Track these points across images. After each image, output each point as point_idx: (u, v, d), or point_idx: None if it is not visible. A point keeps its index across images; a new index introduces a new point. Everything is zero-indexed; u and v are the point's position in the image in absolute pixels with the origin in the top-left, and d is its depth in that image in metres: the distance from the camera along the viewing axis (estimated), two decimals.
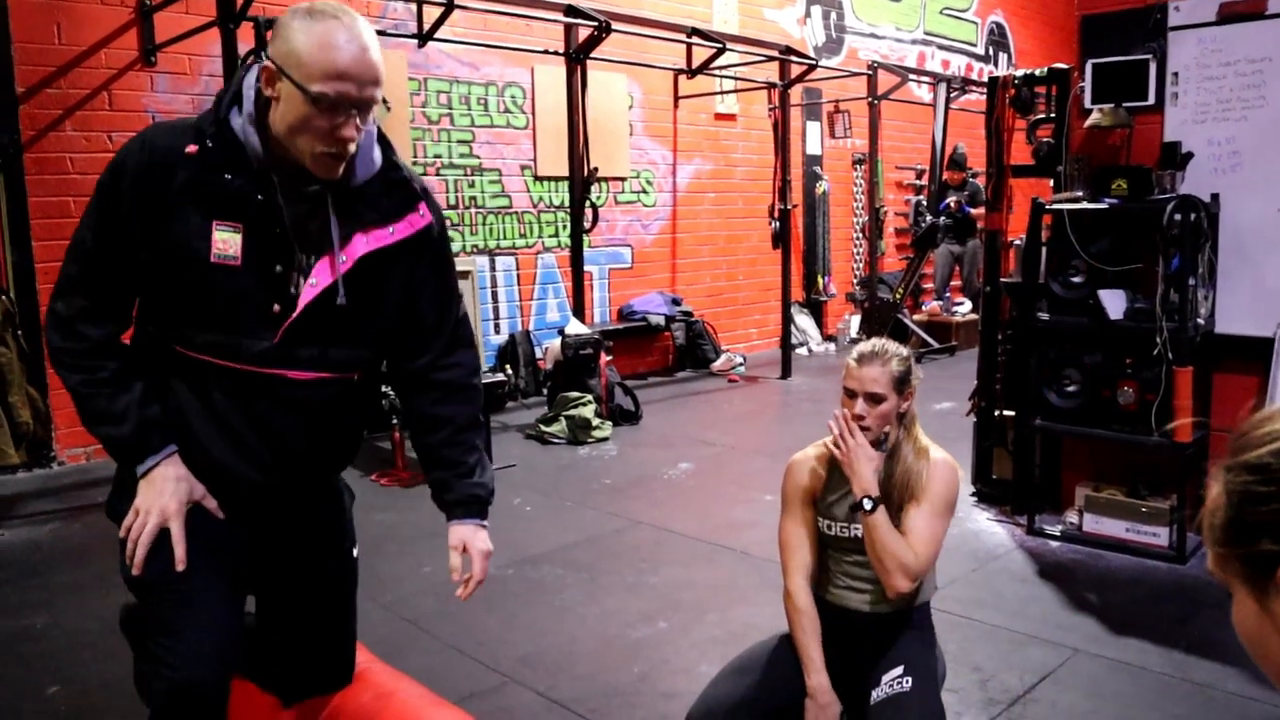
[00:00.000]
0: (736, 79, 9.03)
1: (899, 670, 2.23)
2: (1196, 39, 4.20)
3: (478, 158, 7.64)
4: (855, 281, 10.97)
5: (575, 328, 6.94)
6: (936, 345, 9.69)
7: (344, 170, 1.76)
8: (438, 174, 7.38)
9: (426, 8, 6.08)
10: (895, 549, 2.22)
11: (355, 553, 2.16)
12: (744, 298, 9.91)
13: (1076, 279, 4.27)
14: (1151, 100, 4.26)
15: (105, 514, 1.91)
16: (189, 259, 1.71)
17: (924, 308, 10.70)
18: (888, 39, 11.33)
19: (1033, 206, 4.40)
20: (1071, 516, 4.38)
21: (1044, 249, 4.45)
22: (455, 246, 7.45)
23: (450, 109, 7.43)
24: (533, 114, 7.94)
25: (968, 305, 10.10)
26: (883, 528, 2.22)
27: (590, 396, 6.55)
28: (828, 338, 10.52)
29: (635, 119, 8.74)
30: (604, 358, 6.87)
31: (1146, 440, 4.04)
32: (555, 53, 7.09)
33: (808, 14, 10.28)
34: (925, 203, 9.73)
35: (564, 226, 7.98)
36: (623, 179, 8.68)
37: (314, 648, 2.12)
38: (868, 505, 2.22)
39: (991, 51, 13.14)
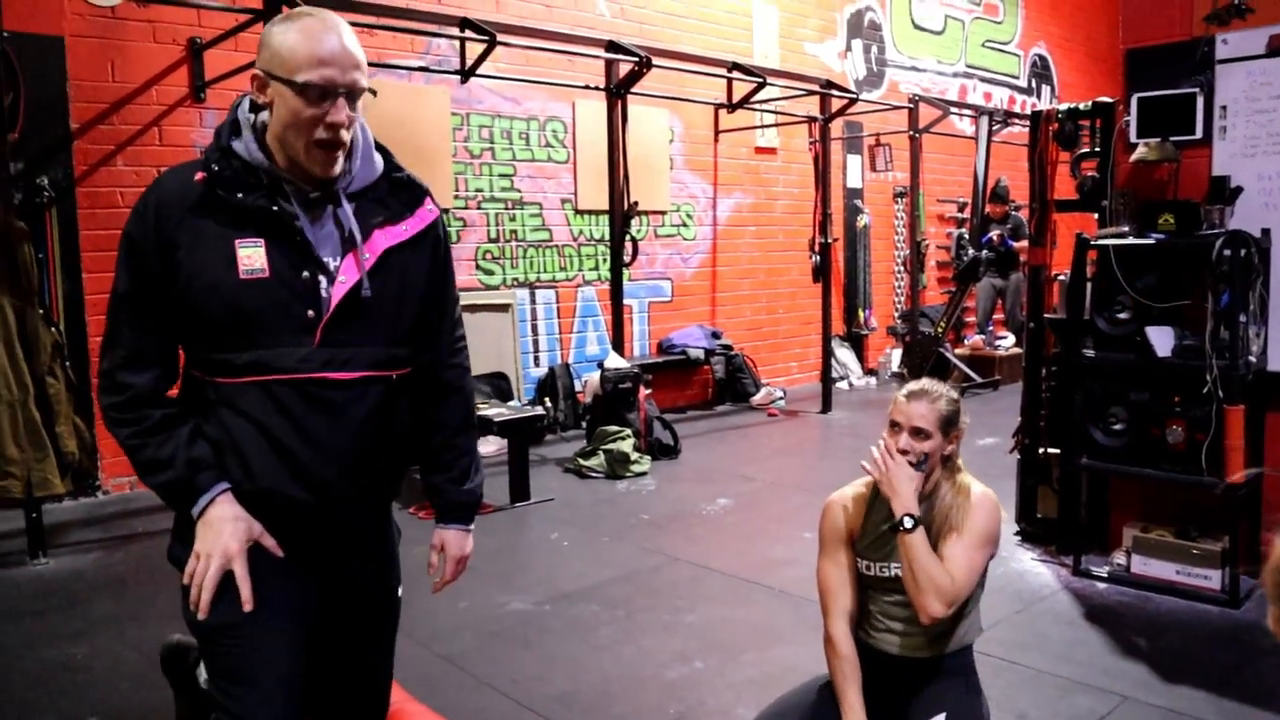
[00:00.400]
0: (777, 113, 9.04)
1: (941, 718, 2.18)
2: (1245, 72, 4.13)
3: (519, 191, 7.70)
4: (896, 315, 10.89)
5: (614, 361, 6.94)
6: (979, 380, 9.57)
7: (345, 168, 1.82)
8: (479, 207, 7.45)
9: (469, 44, 6.16)
10: (931, 570, 2.18)
11: (400, 592, 2.15)
12: (784, 331, 9.86)
13: (1123, 315, 4.20)
14: (1199, 134, 4.20)
15: (167, 559, 1.91)
16: (218, 282, 1.74)
17: (966, 342, 10.59)
18: (929, 72, 11.31)
19: (1077, 242, 4.34)
20: (1119, 557, 4.28)
21: (1089, 285, 4.38)
22: (495, 279, 7.53)
23: (492, 143, 7.50)
24: (574, 148, 8.00)
25: (1011, 339, 9.98)
26: (920, 548, 2.19)
27: (629, 430, 6.53)
28: (869, 371, 10.43)
29: (676, 153, 8.78)
30: (643, 391, 6.85)
31: (1197, 480, 3.94)
32: (596, 88, 7.15)
33: (848, 48, 10.30)
34: (967, 236, 9.66)
35: (604, 260, 8.01)
36: (663, 213, 8.70)
37: (351, 688, 2.11)
38: (908, 524, 2.18)
39: (1034, 84, 13.08)
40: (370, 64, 5.94)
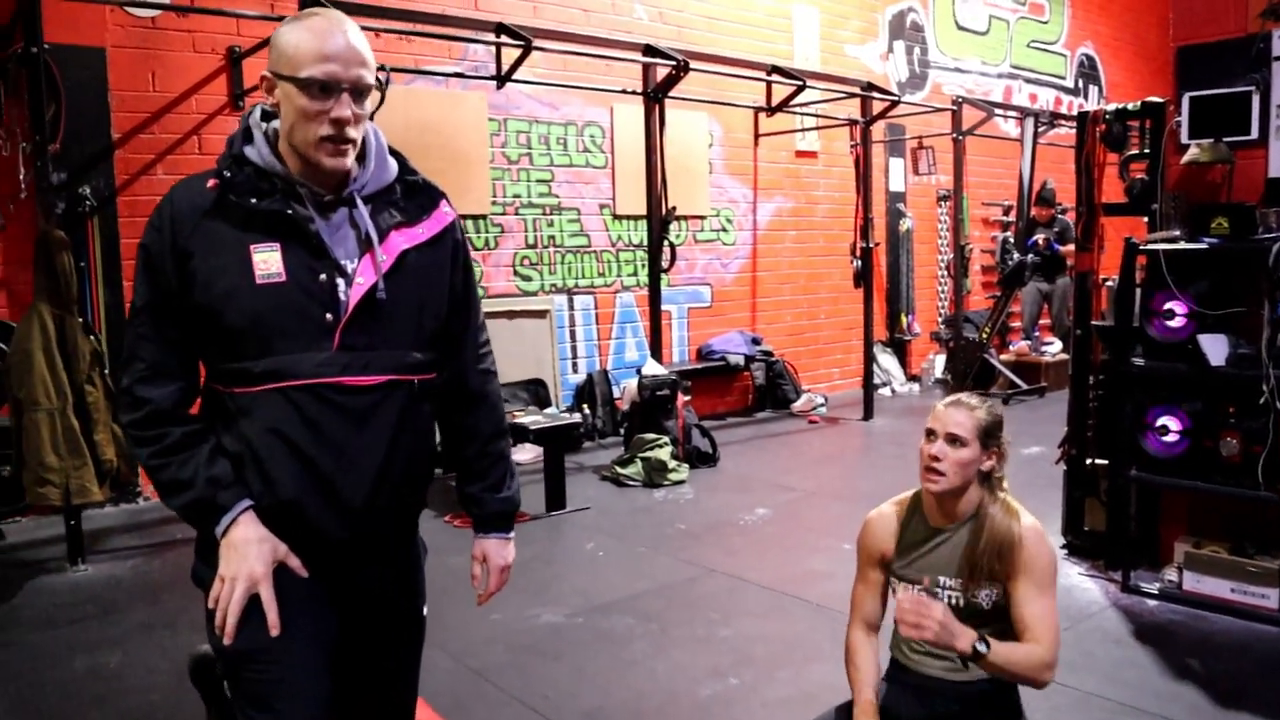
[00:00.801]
0: (817, 116, 8.93)
1: None
2: None
3: (556, 197, 7.67)
4: (940, 320, 10.72)
5: (652, 368, 6.88)
6: (1025, 386, 9.38)
7: (357, 171, 1.80)
8: (516, 213, 7.43)
9: (505, 50, 6.14)
10: (1026, 663, 2.09)
11: (425, 611, 2.10)
12: (825, 337, 9.75)
13: (1174, 323, 4.06)
14: (1255, 134, 4.05)
15: (191, 581, 1.87)
16: (233, 289, 1.71)
17: (1011, 347, 10.40)
18: (973, 73, 11.14)
19: (1126, 246, 4.21)
20: (1170, 574, 4.13)
21: (1138, 291, 4.25)
22: (532, 285, 7.50)
23: (529, 149, 7.48)
24: (612, 153, 7.95)
25: (1057, 345, 9.77)
26: (1004, 656, 2.07)
27: (666, 438, 6.46)
28: (911, 378, 10.28)
29: (715, 157, 8.70)
30: (681, 398, 6.78)
31: (1253, 494, 3.79)
32: (633, 92, 7.09)
33: (890, 49, 10.16)
34: (1012, 240, 9.48)
35: (643, 265, 7.95)
36: (702, 217, 8.63)
37: (375, 708, 2.06)
38: (982, 649, 2.06)
39: (1082, 84, 12.84)
40: (407, 70, 5.95)
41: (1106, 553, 4.43)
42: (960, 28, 11.01)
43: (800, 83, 7.54)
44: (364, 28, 6.08)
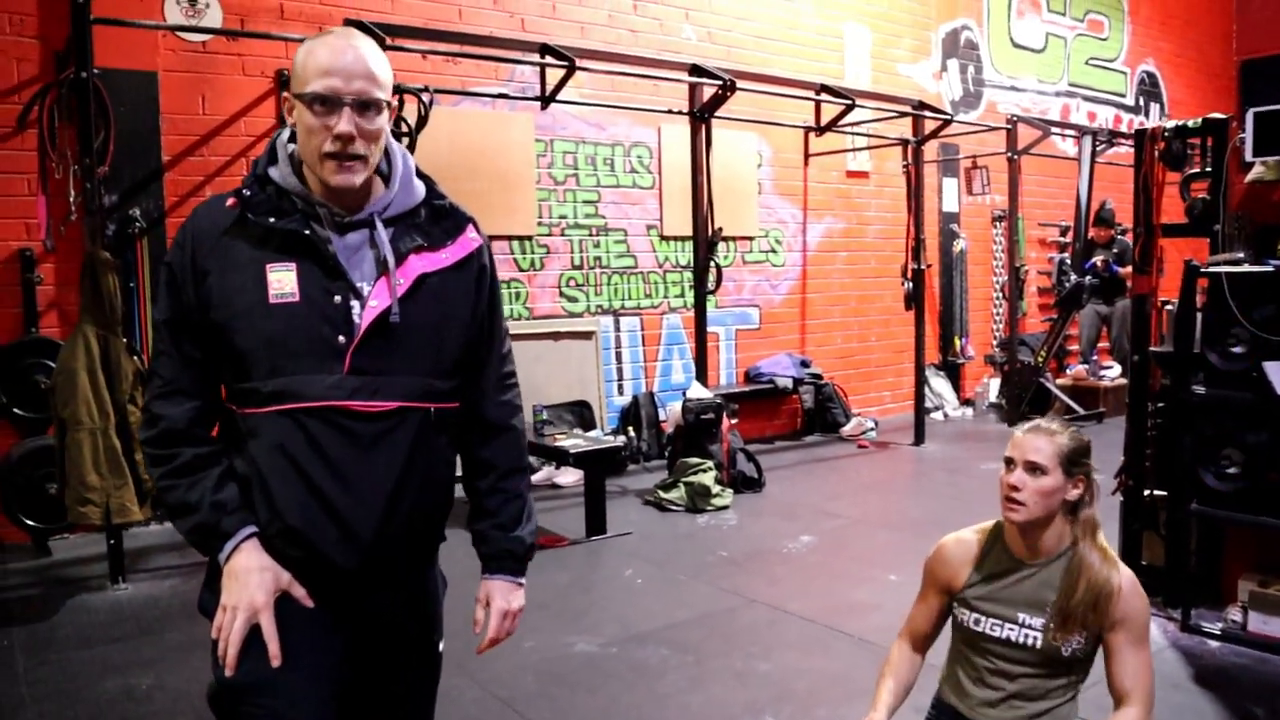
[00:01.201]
0: (869, 135, 8.82)
1: None
2: None
3: (603, 218, 7.63)
4: (994, 343, 10.49)
5: (697, 391, 6.79)
6: (1082, 411, 9.13)
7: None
8: (563, 234, 7.40)
9: (550, 70, 6.12)
10: None
11: (441, 646, 2.03)
12: (876, 360, 9.58)
13: (1237, 349, 3.88)
14: None
15: (198, 609, 1.84)
16: (247, 307, 1.70)
17: (1068, 371, 10.15)
18: (1029, 91, 10.94)
19: (1186, 269, 4.04)
20: (1234, 613, 3.93)
21: (1199, 315, 4.07)
22: (578, 307, 7.45)
23: (576, 169, 7.45)
24: (659, 173, 7.90)
25: (1116, 369, 9.51)
26: None
27: (710, 463, 6.36)
28: (965, 402, 10.07)
29: (764, 177, 8.61)
30: (726, 422, 6.68)
31: None
32: (679, 112, 7.04)
33: (944, 68, 10.01)
34: (1070, 261, 9.25)
35: (690, 287, 7.87)
36: (751, 238, 8.54)
37: None
38: None
39: (1142, 102, 12.55)
40: (453, 91, 5.92)
41: (1165, 590, 4.23)
42: (1016, 45, 10.82)
43: (849, 102, 7.43)
44: (410, 49, 6.07)
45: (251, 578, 1.71)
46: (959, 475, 6.95)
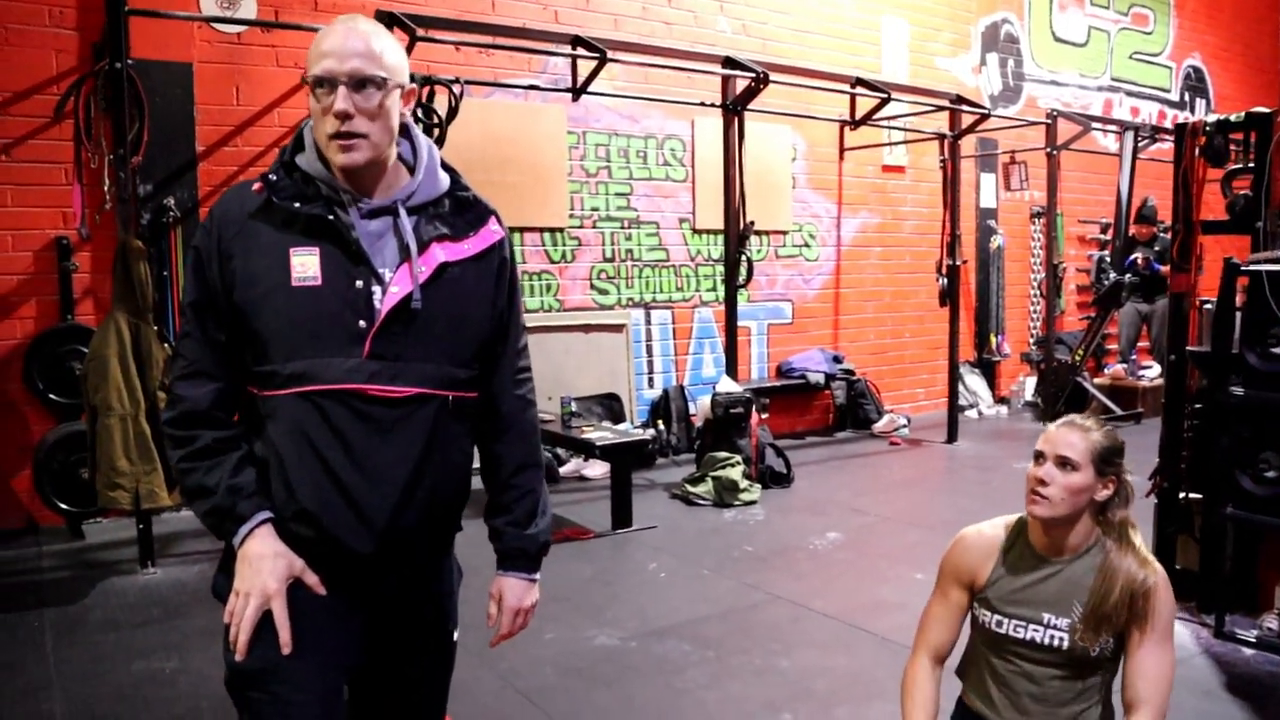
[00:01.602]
0: (905, 130, 8.72)
1: None
2: None
3: (635, 210, 7.61)
4: (1031, 341, 10.35)
5: (726, 385, 6.75)
6: (1120, 412, 8.98)
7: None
8: (594, 226, 7.39)
9: (582, 62, 6.10)
10: None
11: (455, 636, 2.02)
12: (910, 356, 9.49)
13: (1277, 350, 3.78)
14: None
15: (211, 593, 1.85)
16: (270, 290, 1.71)
17: (1107, 371, 9.99)
18: (1070, 86, 10.76)
19: (1225, 267, 3.95)
20: (1270, 621, 3.84)
21: (1238, 315, 3.98)
22: (609, 299, 7.44)
23: (608, 161, 7.43)
24: (692, 166, 7.87)
25: (1156, 369, 9.33)
26: None
27: (739, 457, 6.32)
28: (1000, 400, 9.94)
29: (798, 171, 8.54)
30: (755, 417, 6.64)
31: None
32: (712, 104, 6.99)
33: (983, 62, 9.88)
34: (1109, 258, 9.10)
35: (722, 281, 7.83)
36: (785, 232, 8.48)
37: None
38: None
39: (1188, 97, 12.31)
40: (485, 83, 5.93)
41: (1199, 594, 4.15)
42: (1058, 39, 10.65)
43: (885, 95, 7.34)
44: (442, 41, 6.05)
45: (265, 564, 1.71)
46: (991, 474, 6.86)
